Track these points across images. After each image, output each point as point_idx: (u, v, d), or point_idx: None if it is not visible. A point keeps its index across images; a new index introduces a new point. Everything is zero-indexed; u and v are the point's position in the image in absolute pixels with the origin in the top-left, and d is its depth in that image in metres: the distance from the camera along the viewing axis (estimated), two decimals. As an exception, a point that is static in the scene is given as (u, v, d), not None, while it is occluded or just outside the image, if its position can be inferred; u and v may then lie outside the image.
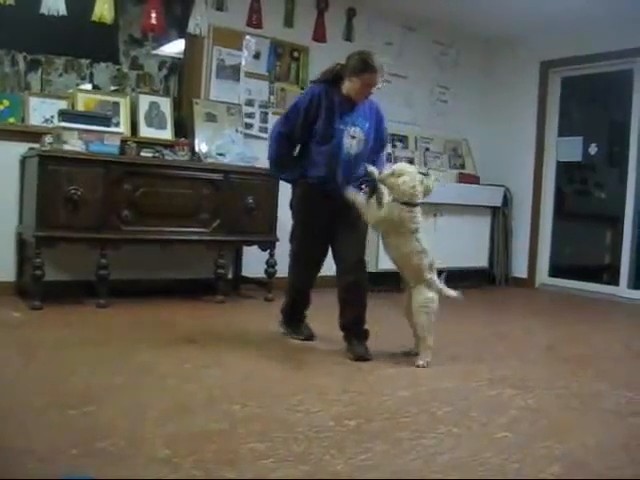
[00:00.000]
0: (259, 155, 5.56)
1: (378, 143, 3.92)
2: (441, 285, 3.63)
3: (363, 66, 3.66)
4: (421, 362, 3.49)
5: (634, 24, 6.19)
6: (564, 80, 7.17)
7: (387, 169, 3.66)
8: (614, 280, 6.67)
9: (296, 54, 6.21)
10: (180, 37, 5.91)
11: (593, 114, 7.51)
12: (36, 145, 4.71)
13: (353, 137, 3.76)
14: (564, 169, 7.27)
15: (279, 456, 2.20)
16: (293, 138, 3.82)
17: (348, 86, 3.72)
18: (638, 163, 6.49)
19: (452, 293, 3.65)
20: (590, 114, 7.52)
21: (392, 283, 6.24)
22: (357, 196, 3.65)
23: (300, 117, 3.73)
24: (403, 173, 3.53)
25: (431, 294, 3.56)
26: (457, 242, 6.67)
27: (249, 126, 5.93)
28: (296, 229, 3.93)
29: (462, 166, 7.34)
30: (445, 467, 2.20)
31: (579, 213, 7.51)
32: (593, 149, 6.93)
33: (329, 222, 3.81)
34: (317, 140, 3.74)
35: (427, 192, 3.58)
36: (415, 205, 3.53)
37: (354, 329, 3.73)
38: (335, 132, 3.71)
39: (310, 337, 4.02)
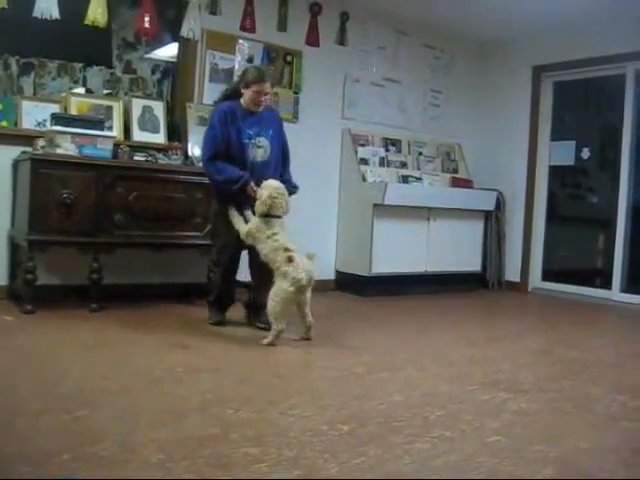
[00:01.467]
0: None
1: (283, 149, 4.50)
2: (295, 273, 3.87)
3: (253, 77, 4.20)
4: (265, 341, 3.88)
5: (626, 29, 6.22)
6: (556, 84, 7.20)
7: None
8: (606, 284, 6.69)
9: (289, 58, 6.21)
10: (173, 41, 5.91)
11: (585, 118, 7.53)
12: (29, 149, 4.69)
13: (259, 147, 4.28)
14: (557, 173, 7.30)
15: (272, 460, 2.19)
16: (220, 155, 4.21)
17: (245, 97, 4.26)
18: (630, 167, 6.52)
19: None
20: (582, 118, 7.55)
21: (385, 286, 6.27)
22: (232, 214, 4.20)
23: (218, 131, 4.19)
24: (264, 188, 4.06)
25: (285, 284, 3.86)
26: (450, 246, 6.69)
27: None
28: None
29: (455, 170, 7.36)
30: (439, 471, 2.20)
31: (572, 217, 7.52)
32: (585, 153, 6.96)
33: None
34: (232, 153, 4.21)
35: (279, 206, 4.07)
36: (273, 216, 4.05)
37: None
38: (243, 146, 4.22)
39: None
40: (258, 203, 4.04)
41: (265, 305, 3.95)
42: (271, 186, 4.07)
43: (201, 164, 5.35)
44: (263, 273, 4.11)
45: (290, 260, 3.89)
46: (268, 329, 3.96)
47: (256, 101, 4.24)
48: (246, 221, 4.18)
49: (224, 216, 4.26)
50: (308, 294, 3.97)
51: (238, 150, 4.22)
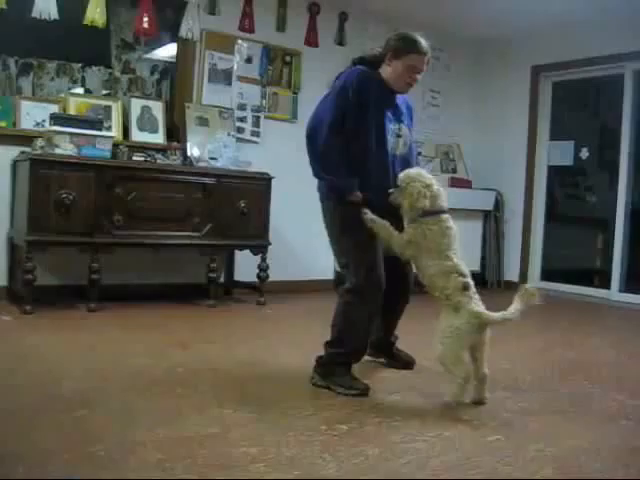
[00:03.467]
0: (251, 159, 5.59)
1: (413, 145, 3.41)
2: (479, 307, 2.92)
3: (408, 46, 3.07)
4: (449, 397, 2.92)
5: (625, 28, 6.22)
6: (555, 84, 7.20)
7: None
8: (605, 283, 6.69)
9: (288, 58, 6.22)
10: (172, 41, 5.90)
11: (584, 118, 7.53)
12: (27, 149, 4.70)
13: (399, 136, 3.21)
14: (555, 173, 7.30)
15: (271, 460, 2.19)
16: (341, 138, 3.06)
17: (388, 72, 3.13)
18: (629, 167, 6.53)
19: (496, 316, 2.89)
20: (581, 118, 7.55)
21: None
22: (371, 219, 3.05)
23: (350, 100, 3.03)
24: (405, 182, 3.01)
25: (459, 321, 2.88)
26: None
27: (241, 130, 5.93)
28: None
29: (454, 170, 7.36)
30: (437, 470, 2.20)
31: (570, 217, 7.52)
32: (584, 153, 6.96)
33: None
34: (363, 141, 3.10)
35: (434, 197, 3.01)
36: (439, 212, 3.01)
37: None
38: (384, 132, 3.13)
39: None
40: (409, 201, 2.96)
41: (395, 337, 3.44)
42: (417, 173, 3.04)
43: (206, 161, 5.20)
44: (402, 294, 3.24)
45: (465, 288, 2.93)
46: (409, 368, 3.46)
47: (406, 79, 3.14)
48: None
49: (356, 219, 3.04)
50: (488, 334, 2.97)
51: (376, 136, 3.11)
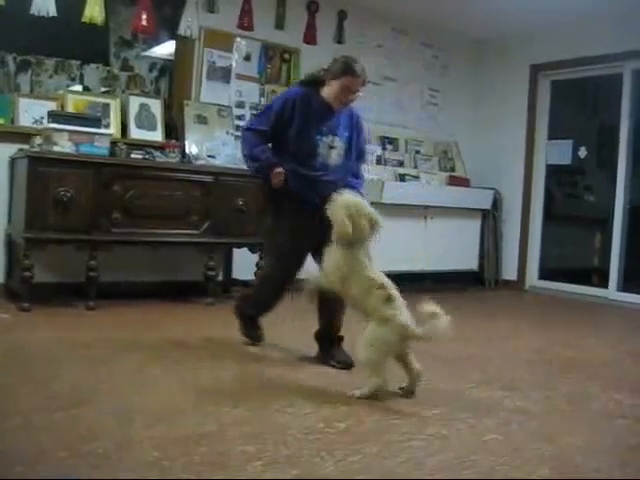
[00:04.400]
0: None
1: (357, 151, 3.72)
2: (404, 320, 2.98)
3: (344, 68, 3.47)
4: (357, 392, 2.97)
5: (624, 28, 6.22)
6: (554, 83, 7.21)
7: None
8: (603, 283, 6.70)
9: (287, 56, 6.21)
10: (171, 39, 5.90)
11: (583, 117, 7.54)
12: (26, 146, 4.69)
13: (331, 147, 3.55)
14: (554, 172, 7.30)
15: (269, 458, 2.19)
16: (265, 138, 3.57)
17: (327, 90, 3.53)
18: (627, 166, 6.54)
19: (419, 332, 2.95)
20: (580, 117, 7.56)
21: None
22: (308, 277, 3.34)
23: (273, 113, 3.54)
24: (337, 207, 3.12)
25: (385, 332, 2.96)
26: (447, 245, 6.70)
27: (240, 128, 5.92)
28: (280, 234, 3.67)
29: (452, 169, 7.36)
30: (434, 469, 2.20)
31: (568, 216, 7.54)
32: (583, 152, 6.97)
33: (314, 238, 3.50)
34: (291, 149, 3.53)
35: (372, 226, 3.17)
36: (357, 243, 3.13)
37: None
38: (313, 141, 3.51)
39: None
40: (337, 229, 3.08)
41: (341, 338, 3.56)
42: (346, 202, 3.13)
43: (204, 159, 5.31)
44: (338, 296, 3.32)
45: (389, 300, 3.01)
46: (348, 368, 3.40)
47: (342, 98, 3.50)
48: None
49: (284, 216, 3.59)
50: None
51: (306, 144, 3.51)
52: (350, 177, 3.66)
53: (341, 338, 3.60)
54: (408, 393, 3.06)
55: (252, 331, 3.87)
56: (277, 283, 3.73)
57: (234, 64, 5.92)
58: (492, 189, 7.22)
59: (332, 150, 3.55)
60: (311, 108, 3.52)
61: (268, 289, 3.78)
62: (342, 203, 3.11)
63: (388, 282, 3.08)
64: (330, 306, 3.52)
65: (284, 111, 3.51)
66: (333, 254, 3.13)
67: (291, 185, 3.52)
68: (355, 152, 3.69)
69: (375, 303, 3.01)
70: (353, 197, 3.21)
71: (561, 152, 7.07)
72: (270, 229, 3.76)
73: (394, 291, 3.05)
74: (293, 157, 3.51)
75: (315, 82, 3.59)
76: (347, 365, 3.42)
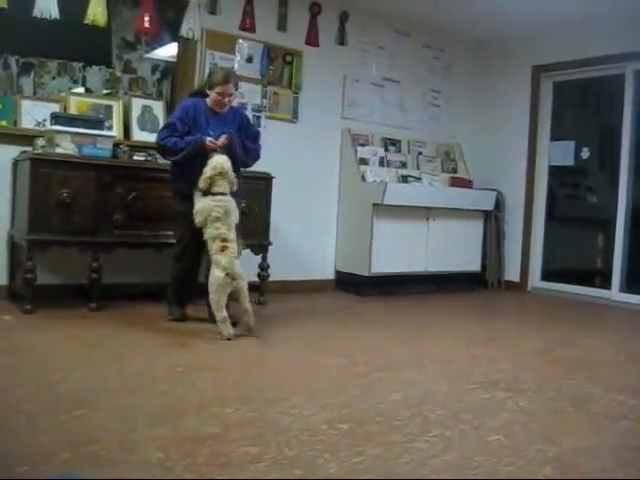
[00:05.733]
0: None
1: (251, 137, 4.54)
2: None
3: (216, 79, 4.25)
4: (219, 337, 3.94)
5: (626, 29, 6.22)
6: (556, 84, 7.20)
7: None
8: (606, 284, 6.69)
9: (289, 58, 6.21)
10: (173, 41, 5.91)
11: (585, 118, 7.54)
12: (28, 148, 4.70)
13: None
14: (556, 173, 7.30)
15: (272, 459, 2.19)
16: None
17: (209, 98, 4.33)
18: (629, 167, 6.53)
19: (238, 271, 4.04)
20: (582, 118, 7.55)
21: (385, 286, 6.27)
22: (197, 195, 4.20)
23: (177, 124, 4.25)
24: (209, 164, 4.11)
25: (217, 272, 3.96)
26: (450, 246, 6.69)
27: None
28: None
29: (455, 170, 7.35)
30: (438, 470, 2.20)
31: (571, 217, 7.52)
32: (585, 153, 6.96)
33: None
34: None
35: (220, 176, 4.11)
36: (215, 194, 4.09)
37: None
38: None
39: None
40: (200, 179, 4.09)
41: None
42: (216, 162, 4.11)
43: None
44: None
45: (223, 250, 3.97)
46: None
47: (219, 102, 4.31)
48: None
49: (185, 204, 4.27)
50: (243, 283, 4.02)
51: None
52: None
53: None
54: (248, 330, 4.04)
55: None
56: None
57: (236, 66, 5.91)
58: (494, 190, 7.21)
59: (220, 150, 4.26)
60: (201, 114, 4.31)
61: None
62: (213, 160, 4.12)
63: (232, 236, 4.03)
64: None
65: (184, 118, 4.27)
66: (199, 200, 4.14)
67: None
68: (251, 138, 4.53)
69: (214, 250, 4.00)
70: (223, 158, 4.15)
71: (563, 153, 7.06)
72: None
73: (231, 244, 4.00)
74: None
75: (201, 92, 4.42)
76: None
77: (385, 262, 6.25)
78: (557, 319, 5.72)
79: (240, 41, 5.94)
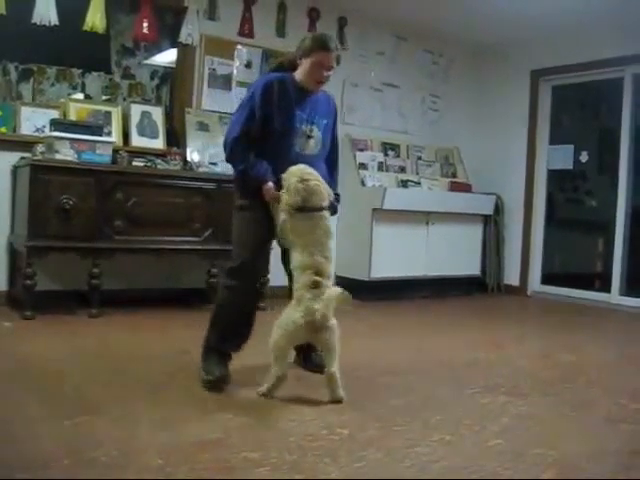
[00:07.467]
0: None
1: (333, 147, 3.49)
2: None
3: (314, 44, 3.17)
4: (260, 390, 2.98)
5: (624, 33, 6.23)
6: (555, 88, 7.21)
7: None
8: (606, 287, 6.68)
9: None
10: (172, 47, 5.92)
11: (584, 122, 7.55)
12: (28, 154, 4.70)
13: (310, 137, 3.24)
14: (555, 177, 7.30)
15: (273, 465, 2.19)
16: (250, 137, 3.17)
17: (300, 71, 3.22)
18: (629, 170, 6.53)
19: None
20: (581, 122, 7.56)
21: (385, 290, 6.27)
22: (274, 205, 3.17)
23: (256, 108, 3.14)
24: (289, 175, 3.04)
25: (295, 314, 2.91)
26: (449, 250, 6.69)
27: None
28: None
29: (454, 174, 7.36)
30: (439, 475, 2.20)
31: (570, 221, 7.53)
32: (584, 157, 6.96)
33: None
34: (268, 140, 3.18)
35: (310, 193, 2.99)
36: (312, 209, 3.00)
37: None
38: (291, 132, 3.19)
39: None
40: (286, 195, 2.99)
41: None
42: (298, 169, 3.02)
43: (206, 166, 5.24)
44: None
45: (315, 286, 2.91)
46: (320, 372, 3.10)
47: (316, 75, 3.18)
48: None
49: (251, 211, 3.29)
50: (329, 336, 2.97)
51: (283, 136, 3.18)
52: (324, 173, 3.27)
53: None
54: (333, 400, 2.93)
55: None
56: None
57: (235, 71, 5.93)
58: (494, 194, 7.22)
59: (310, 140, 3.25)
60: (288, 93, 3.19)
61: None
62: (295, 171, 3.03)
63: (327, 270, 2.97)
64: None
65: (270, 102, 3.14)
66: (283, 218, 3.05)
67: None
68: (331, 141, 3.44)
69: (302, 284, 2.93)
70: (305, 166, 3.08)
71: (562, 157, 7.07)
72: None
73: (326, 281, 2.95)
74: (271, 148, 3.18)
75: (289, 67, 3.29)
76: (322, 368, 3.11)
77: (385, 267, 6.24)
78: (557, 323, 5.71)
79: (239, 47, 5.95)
